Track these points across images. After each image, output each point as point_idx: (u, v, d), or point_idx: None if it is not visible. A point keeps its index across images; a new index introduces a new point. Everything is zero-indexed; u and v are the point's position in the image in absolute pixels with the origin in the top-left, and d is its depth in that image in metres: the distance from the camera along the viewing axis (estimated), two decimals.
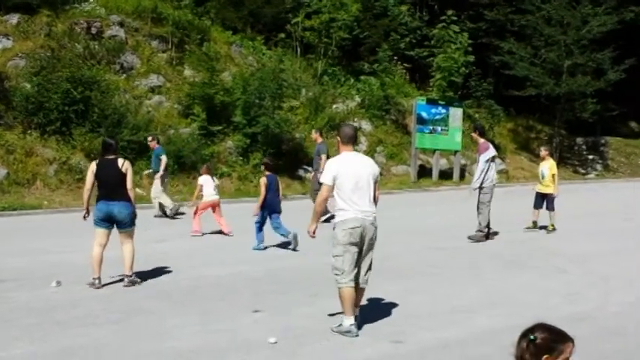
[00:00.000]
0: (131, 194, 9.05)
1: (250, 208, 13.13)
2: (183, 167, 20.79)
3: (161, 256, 10.81)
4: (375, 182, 7.24)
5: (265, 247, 12.14)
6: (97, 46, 22.82)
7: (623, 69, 30.55)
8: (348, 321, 6.95)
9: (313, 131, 17.38)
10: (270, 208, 12.15)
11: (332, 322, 7.36)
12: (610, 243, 13.30)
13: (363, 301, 8.28)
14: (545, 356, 3.21)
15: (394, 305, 8.28)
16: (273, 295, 8.75)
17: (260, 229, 12.14)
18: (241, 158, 22.40)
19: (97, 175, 9.06)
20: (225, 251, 12.05)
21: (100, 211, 8.98)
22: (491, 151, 13.50)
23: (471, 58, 29.61)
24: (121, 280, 9.11)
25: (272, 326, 7.26)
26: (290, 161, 23.34)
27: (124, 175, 8.98)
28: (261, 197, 12.04)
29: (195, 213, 13.63)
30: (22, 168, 18.47)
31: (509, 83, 32.13)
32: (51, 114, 19.39)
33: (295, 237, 11.90)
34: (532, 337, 3.26)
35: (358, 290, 7.19)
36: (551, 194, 14.67)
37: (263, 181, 12.16)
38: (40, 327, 7.20)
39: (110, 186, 8.97)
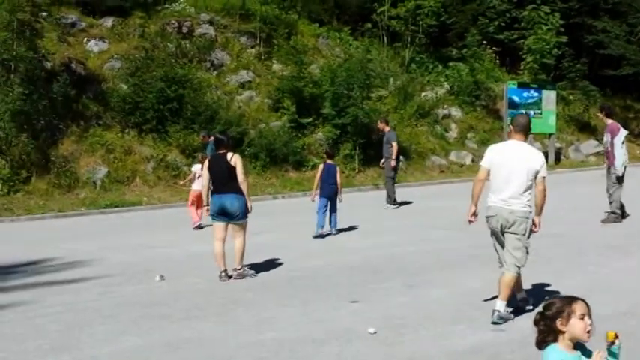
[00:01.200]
0: (243, 187, 9.20)
1: (345, 198, 13.27)
2: (275, 160, 21.04)
3: (258, 248, 10.98)
4: (535, 177, 7.05)
5: (326, 235, 12.54)
6: (188, 45, 23.34)
7: None
8: (501, 305, 6.98)
9: (379, 121, 17.37)
10: (325, 196, 12.59)
11: (429, 311, 7.34)
12: None
13: (461, 289, 8.24)
14: (557, 320, 3.47)
15: (491, 294, 8.14)
16: (370, 284, 8.77)
17: (322, 214, 12.54)
18: None
19: (210, 171, 9.34)
20: (316, 242, 12.15)
21: (214, 205, 9.24)
22: (623, 131, 13.13)
23: (564, 38, 28.75)
24: (222, 275, 9.26)
25: (370, 316, 7.28)
26: (380, 151, 23.25)
27: (233, 169, 9.16)
28: (316, 182, 12.76)
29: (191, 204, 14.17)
30: (122, 166, 19.13)
31: (604, 63, 31.05)
32: (147, 113, 19.99)
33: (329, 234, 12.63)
34: (541, 310, 3.58)
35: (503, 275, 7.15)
36: None
37: (319, 167, 12.85)
38: (146, 320, 7.44)
39: (220, 180, 9.20)
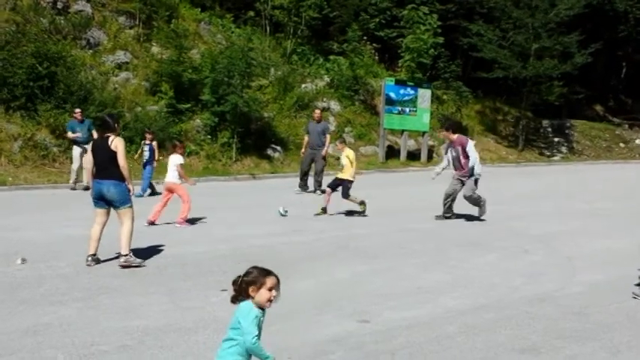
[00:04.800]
0: (124, 172, 8.92)
1: (217, 186, 13.14)
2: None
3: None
4: None
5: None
6: (62, 21, 22.49)
7: (589, 52, 30.85)
8: None
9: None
10: None
11: (296, 302, 7.42)
12: (574, 224, 13.53)
13: (328, 280, 8.37)
14: (250, 287, 4.13)
15: (360, 285, 8.35)
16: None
17: None
18: (209, 137, 22.28)
19: (93, 154, 9.06)
20: (188, 230, 12.02)
21: (94, 190, 9.04)
22: (472, 141, 13.92)
23: (440, 39, 29.68)
24: (89, 259, 9.00)
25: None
26: (258, 140, 23.30)
27: (114, 153, 8.86)
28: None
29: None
30: None
31: (478, 65, 32.32)
32: (16, 89, 19.11)
33: None
34: (241, 276, 4.23)
35: None
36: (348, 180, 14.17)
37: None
38: (5, 305, 7.14)
39: (101, 164, 8.93)
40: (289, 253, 10.09)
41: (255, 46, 25.90)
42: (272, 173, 21.97)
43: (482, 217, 13.58)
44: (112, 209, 9.09)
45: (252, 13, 28.45)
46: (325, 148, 17.68)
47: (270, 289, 4.15)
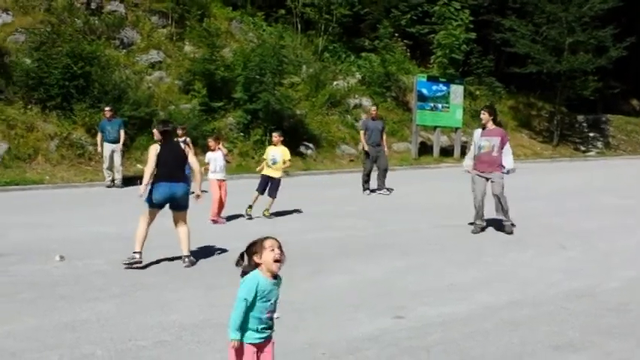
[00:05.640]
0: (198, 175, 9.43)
1: (250, 183, 13.22)
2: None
3: (164, 232, 10.81)
4: None
5: None
6: (96, 22, 22.75)
7: (624, 46, 30.42)
8: None
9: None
10: None
11: (331, 298, 7.42)
12: (610, 220, 13.36)
13: (362, 277, 8.36)
14: (255, 256, 4.25)
15: (394, 281, 8.33)
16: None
17: None
18: (242, 134, 22.38)
19: (160, 157, 9.06)
20: (222, 227, 12.09)
21: (159, 192, 9.04)
22: None
23: (472, 35, 29.49)
24: (137, 256, 9.00)
25: None
26: (291, 138, 23.30)
27: (186, 157, 9.34)
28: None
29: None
30: (24, 143, 18.50)
31: (511, 60, 32.05)
32: (52, 89, 19.37)
33: None
34: (243, 252, 4.32)
35: None
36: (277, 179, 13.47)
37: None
38: (43, 301, 7.24)
39: (174, 168, 9.13)
40: (323, 250, 10.10)
41: (287, 43, 26.00)
42: (304, 170, 22.00)
43: (508, 230, 11.81)
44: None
45: (283, 11, 28.50)
46: (385, 147, 17.29)
47: (271, 249, 4.23)
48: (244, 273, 4.30)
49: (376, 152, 16.86)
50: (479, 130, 12.14)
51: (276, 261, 4.24)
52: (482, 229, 11.93)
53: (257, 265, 4.26)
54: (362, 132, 17.31)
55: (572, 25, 30.22)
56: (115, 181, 17.27)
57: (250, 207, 13.04)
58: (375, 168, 16.96)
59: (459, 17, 29.61)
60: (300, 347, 5.96)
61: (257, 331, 4.28)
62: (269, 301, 4.28)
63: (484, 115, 12.06)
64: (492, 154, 11.79)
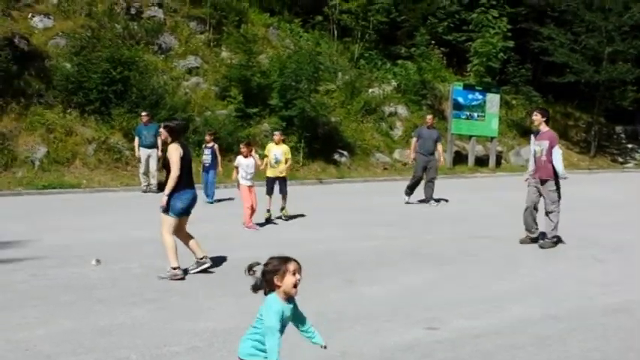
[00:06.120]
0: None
1: (288, 191, 13.29)
2: (219, 149, 20.86)
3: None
4: None
5: None
6: (136, 27, 23.01)
7: None
8: None
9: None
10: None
11: (365, 307, 7.40)
12: None
13: (396, 286, 8.32)
14: (275, 277, 4.14)
15: (429, 292, 8.28)
16: (307, 278, 8.77)
17: None
18: None
19: (184, 162, 8.74)
20: (255, 233, 12.12)
21: (191, 200, 8.80)
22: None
23: (510, 43, 29.28)
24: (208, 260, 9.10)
25: (306, 310, 7.27)
26: (325, 145, 23.34)
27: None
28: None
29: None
30: (62, 147, 18.75)
31: (548, 69, 31.72)
32: (90, 94, 19.63)
33: None
34: (263, 268, 4.23)
35: None
36: (283, 177, 13.73)
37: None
38: (80, 304, 7.33)
39: (190, 174, 8.87)
40: (357, 258, 10.08)
41: (323, 50, 26.06)
42: (339, 178, 22.00)
43: (543, 245, 11.45)
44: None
45: (320, 18, 28.57)
46: (441, 157, 16.99)
47: (293, 273, 4.17)
48: (255, 286, 4.26)
49: (427, 161, 16.44)
50: (533, 136, 11.88)
51: (295, 286, 4.20)
52: (533, 241, 11.65)
53: (271, 285, 4.18)
54: (414, 140, 16.94)
55: (612, 35, 29.85)
56: (151, 186, 17.41)
57: (268, 211, 13.34)
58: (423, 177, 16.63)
59: (496, 25, 29.43)
60: (333, 356, 5.95)
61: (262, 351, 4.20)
62: (285, 326, 4.23)
63: (536, 117, 11.85)
64: (542, 158, 11.53)
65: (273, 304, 4.12)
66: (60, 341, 6.15)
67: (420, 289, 8.39)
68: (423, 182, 16.53)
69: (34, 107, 19.33)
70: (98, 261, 9.23)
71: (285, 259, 4.24)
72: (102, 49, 20.32)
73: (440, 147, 16.82)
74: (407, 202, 16.41)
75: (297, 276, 4.19)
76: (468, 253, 10.80)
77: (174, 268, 8.57)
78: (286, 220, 13.50)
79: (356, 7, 27.99)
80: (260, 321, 4.17)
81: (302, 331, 4.45)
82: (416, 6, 30.39)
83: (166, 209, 8.54)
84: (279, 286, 4.15)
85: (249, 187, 12.55)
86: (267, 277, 4.19)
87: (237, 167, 12.78)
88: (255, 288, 4.27)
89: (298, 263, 4.25)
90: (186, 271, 8.76)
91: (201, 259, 8.95)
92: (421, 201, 16.56)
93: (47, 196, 16.43)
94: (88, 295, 7.67)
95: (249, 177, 12.59)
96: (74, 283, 8.18)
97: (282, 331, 4.15)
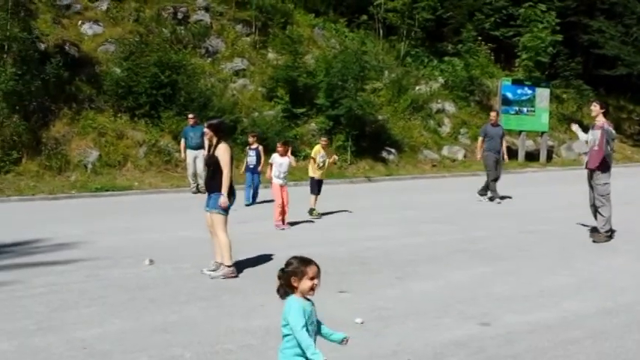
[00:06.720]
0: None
1: (333, 189, 13.24)
2: (267, 150, 20.95)
3: (248, 237, 10.96)
4: None
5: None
6: (183, 31, 23.29)
7: None
8: None
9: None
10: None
11: (416, 304, 7.36)
12: None
13: (447, 283, 8.25)
14: (292, 278, 4.13)
15: (480, 287, 8.20)
16: (358, 276, 8.78)
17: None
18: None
19: (232, 162, 8.90)
20: (305, 232, 12.16)
21: (234, 198, 8.96)
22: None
23: (559, 37, 28.81)
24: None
25: (358, 306, 7.29)
26: (373, 143, 23.28)
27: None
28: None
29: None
30: (113, 150, 19.07)
31: (599, 62, 31.15)
32: (140, 98, 19.91)
33: None
34: (283, 268, 4.22)
35: None
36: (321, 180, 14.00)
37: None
38: (133, 304, 7.44)
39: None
40: (407, 255, 10.03)
41: (369, 49, 26.01)
42: (387, 175, 21.93)
43: (595, 239, 11.35)
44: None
45: (365, 17, 28.51)
46: (505, 154, 16.77)
47: (311, 278, 4.13)
48: (281, 287, 4.24)
49: (495, 159, 16.26)
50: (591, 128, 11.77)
51: (312, 289, 4.17)
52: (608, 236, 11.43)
53: (289, 285, 4.17)
54: (480, 138, 16.78)
55: None
56: (200, 187, 17.54)
57: (313, 209, 13.64)
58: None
59: (544, 19, 28.97)
60: (385, 353, 5.94)
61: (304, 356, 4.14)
62: (313, 323, 4.19)
63: (595, 107, 11.79)
64: (594, 148, 11.39)
65: (293, 303, 4.12)
66: (115, 340, 6.25)
67: (470, 285, 8.32)
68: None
69: (85, 112, 19.69)
70: (151, 261, 9.35)
71: (306, 262, 4.23)
72: (150, 53, 20.58)
73: (505, 144, 16.67)
74: (498, 202, 16.04)
75: (315, 281, 4.16)
76: (520, 248, 10.67)
77: (229, 266, 8.67)
78: (318, 218, 13.56)
79: (401, 6, 27.83)
80: (286, 327, 4.16)
81: (320, 334, 4.37)
82: (462, 2, 30.13)
83: (225, 209, 8.68)
84: (296, 288, 4.16)
85: (281, 186, 12.56)
86: (286, 277, 4.19)
87: (271, 164, 12.80)
88: (280, 291, 4.26)
89: (318, 267, 4.22)
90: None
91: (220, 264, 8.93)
92: (490, 199, 16.36)
93: (100, 199, 16.71)
94: (141, 295, 7.78)
95: (282, 176, 12.59)
96: (128, 284, 8.31)
97: (313, 330, 4.17)
